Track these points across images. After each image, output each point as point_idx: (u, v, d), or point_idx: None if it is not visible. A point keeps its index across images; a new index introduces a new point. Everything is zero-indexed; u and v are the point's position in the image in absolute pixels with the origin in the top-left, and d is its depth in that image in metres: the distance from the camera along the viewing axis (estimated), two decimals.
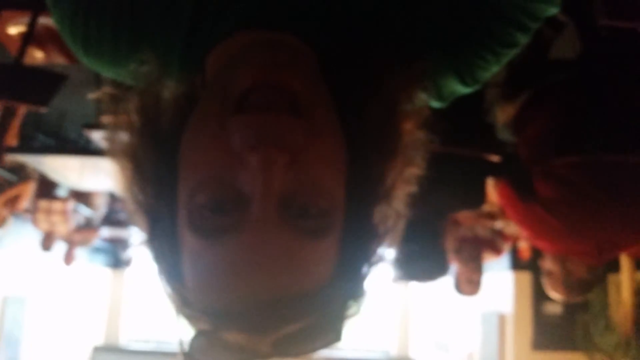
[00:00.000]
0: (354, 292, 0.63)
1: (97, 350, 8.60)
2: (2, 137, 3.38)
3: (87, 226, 5.88)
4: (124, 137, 0.65)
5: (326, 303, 0.59)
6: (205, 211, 0.58)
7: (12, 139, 3.67)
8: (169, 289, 0.62)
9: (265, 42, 0.67)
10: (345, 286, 0.61)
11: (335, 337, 0.60)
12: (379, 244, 0.65)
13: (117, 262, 8.47)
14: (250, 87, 0.58)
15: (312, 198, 0.58)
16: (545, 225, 2.09)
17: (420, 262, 2.67)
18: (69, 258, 5.95)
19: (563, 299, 2.39)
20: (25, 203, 4.78)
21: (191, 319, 0.61)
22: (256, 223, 0.56)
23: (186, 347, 0.59)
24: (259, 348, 0.57)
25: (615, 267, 4.13)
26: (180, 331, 0.61)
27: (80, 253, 6.17)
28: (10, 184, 4.55)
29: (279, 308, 0.56)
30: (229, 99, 0.59)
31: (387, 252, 0.67)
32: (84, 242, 5.99)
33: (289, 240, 0.56)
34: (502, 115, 2.48)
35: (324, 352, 0.60)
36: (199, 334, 0.59)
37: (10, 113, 3.42)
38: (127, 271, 8.81)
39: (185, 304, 0.60)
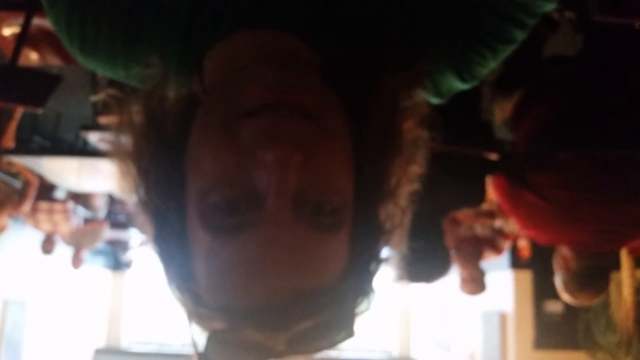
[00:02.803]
0: (365, 288, 0.63)
1: (99, 352, 8.62)
2: None
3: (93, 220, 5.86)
4: (127, 139, 0.65)
5: (339, 299, 0.59)
6: (219, 210, 0.58)
7: (9, 141, 3.67)
8: (180, 291, 0.62)
9: (273, 54, 0.67)
10: (356, 282, 0.62)
11: (348, 333, 0.60)
12: (386, 241, 0.66)
13: (118, 264, 8.48)
14: (261, 107, 0.58)
15: (325, 195, 0.59)
16: (538, 212, 2.05)
17: (425, 261, 2.65)
18: (76, 261, 5.92)
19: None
20: (28, 206, 4.77)
21: (205, 319, 0.60)
22: (271, 220, 0.56)
23: (200, 347, 0.59)
24: (274, 346, 0.57)
25: (615, 265, 4.12)
26: (190, 332, 0.61)
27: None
28: (9, 187, 4.54)
29: (295, 304, 0.56)
30: (238, 111, 0.59)
31: (391, 252, 0.67)
32: (91, 241, 5.95)
33: (304, 237, 0.57)
34: (501, 112, 2.47)
35: (326, 352, 0.61)
36: (214, 334, 0.58)
37: (6, 115, 3.42)
38: (128, 273, 8.82)
39: (199, 304, 0.60)
